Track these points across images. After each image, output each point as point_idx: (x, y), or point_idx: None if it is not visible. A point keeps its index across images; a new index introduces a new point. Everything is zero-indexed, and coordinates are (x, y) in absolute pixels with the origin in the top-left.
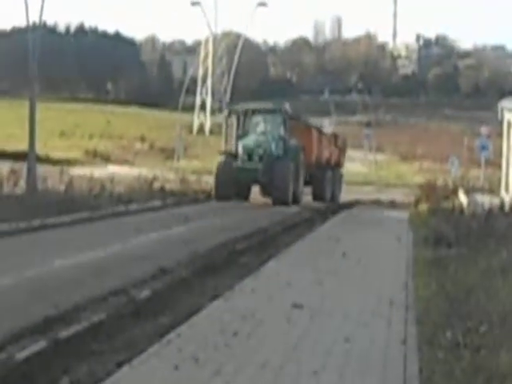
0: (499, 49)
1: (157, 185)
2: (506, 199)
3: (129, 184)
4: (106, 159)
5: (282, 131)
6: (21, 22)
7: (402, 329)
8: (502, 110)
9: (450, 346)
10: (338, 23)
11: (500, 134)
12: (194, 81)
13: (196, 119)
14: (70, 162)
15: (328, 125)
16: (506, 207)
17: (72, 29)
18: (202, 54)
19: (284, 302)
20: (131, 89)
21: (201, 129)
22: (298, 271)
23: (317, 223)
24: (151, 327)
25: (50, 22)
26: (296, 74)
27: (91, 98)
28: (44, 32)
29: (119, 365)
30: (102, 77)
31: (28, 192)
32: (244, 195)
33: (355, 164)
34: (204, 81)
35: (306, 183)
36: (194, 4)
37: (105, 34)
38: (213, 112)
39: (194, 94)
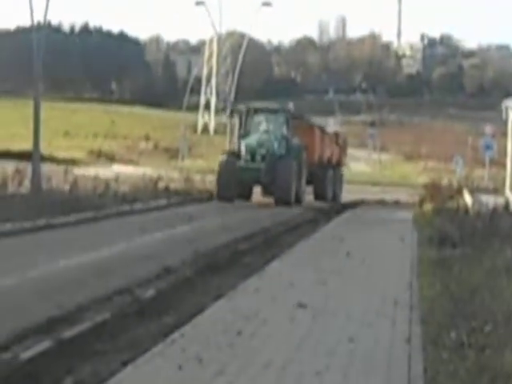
0: (504, 48)
1: (161, 184)
2: (511, 199)
3: (133, 183)
4: (111, 159)
5: (284, 130)
6: (25, 22)
7: (407, 329)
8: (506, 110)
9: (455, 346)
10: (343, 23)
11: (504, 134)
12: (198, 80)
13: (200, 119)
14: (74, 162)
15: (333, 124)
16: (511, 207)
17: (76, 28)
18: (207, 53)
19: (287, 301)
20: (136, 88)
21: (205, 128)
22: (301, 271)
23: (320, 223)
24: (155, 327)
25: (54, 21)
26: (300, 73)
27: (96, 97)
28: (48, 32)
29: (123, 364)
30: (106, 76)
31: (32, 192)
32: (246, 195)
33: (359, 164)
34: (208, 80)
35: (308, 182)
36: (198, 4)
37: (109, 34)
38: (217, 112)
39: (199, 93)
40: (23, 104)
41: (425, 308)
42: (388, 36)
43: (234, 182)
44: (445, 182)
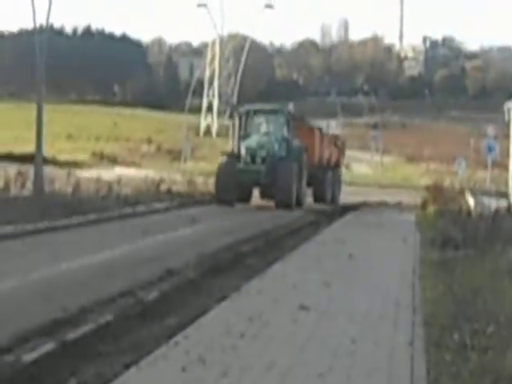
0: (506, 50)
1: (164, 187)
2: None
3: (136, 186)
4: (113, 161)
5: (285, 132)
6: (28, 24)
7: (409, 330)
8: (508, 111)
9: (458, 348)
10: (345, 26)
11: (507, 135)
12: (200, 83)
13: (203, 121)
14: (76, 164)
15: (335, 126)
16: None
17: (79, 31)
18: (209, 55)
19: (290, 303)
20: (138, 91)
21: (208, 131)
22: (304, 273)
23: (322, 225)
24: (158, 329)
25: (57, 24)
26: (302, 75)
27: (98, 100)
28: (51, 34)
29: (126, 366)
30: (108, 79)
31: (35, 194)
32: (245, 198)
33: (362, 165)
34: (211, 83)
35: (307, 184)
36: (200, 6)
37: (112, 36)
38: (220, 114)
39: (201, 95)
40: (26, 107)
41: (427, 310)
42: (390, 38)
43: (233, 185)
44: (447, 183)
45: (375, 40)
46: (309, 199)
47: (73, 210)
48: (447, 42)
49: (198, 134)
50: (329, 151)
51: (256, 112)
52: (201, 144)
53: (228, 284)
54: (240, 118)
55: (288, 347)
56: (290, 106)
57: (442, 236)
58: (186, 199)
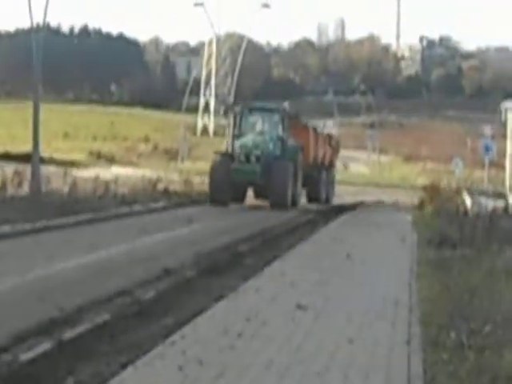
0: (503, 50)
1: (161, 186)
2: (511, 200)
3: (133, 185)
4: (110, 160)
5: (280, 131)
6: (25, 24)
7: (406, 330)
8: (505, 111)
9: (454, 347)
10: (342, 25)
11: (504, 135)
12: (197, 82)
13: (200, 120)
14: (73, 164)
15: (332, 126)
16: (510, 208)
17: (76, 30)
18: (206, 55)
19: (288, 302)
20: (135, 90)
21: (205, 130)
22: (301, 272)
23: (319, 224)
24: (155, 328)
25: (53, 23)
26: (299, 75)
27: (95, 99)
28: (48, 33)
29: (123, 366)
30: (105, 78)
31: (32, 193)
32: (240, 198)
33: (359, 165)
34: (207, 82)
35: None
36: (197, 5)
37: (108, 36)
38: (217, 113)
39: (198, 95)
40: (23, 106)
41: (424, 309)
42: (387, 38)
43: (227, 185)
44: (444, 183)
45: (372, 39)
46: (302, 199)
47: (69, 209)
48: (444, 41)
49: (195, 133)
50: (323, 151)
51: (251, 110)
52: (198, 143)
53: (225, 283)
54: (234, 117)
55: (285, 346)
56: (286, 105)
57: (439, 235)
58: (183, 199)
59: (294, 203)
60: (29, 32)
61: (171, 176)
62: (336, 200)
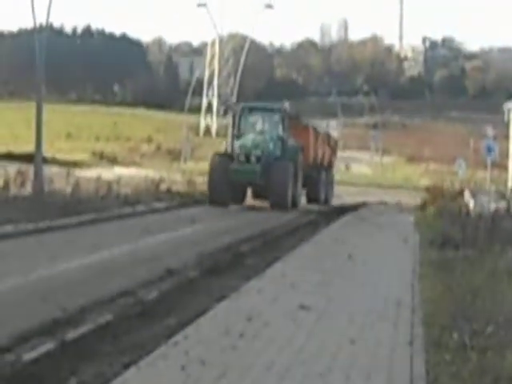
0: (506, 51)
1: (163, 186)
2: None
3: (135, 185)
4: (113, 161)
5: (280, 131)
6: (27, 24)
7: (409, 330)
8: (508, 112)
9: (457, 348)
10: (345, 26)
11: (506, 136)
12: (200, 82)
13: (202, 121)
14: (76, 164)
15: (335, 126)
16: None
17: (79, 31)
18: (209, 55)
19: (290, 303)
20: (138, 90)
21: (207, 130)
22: (303, 273)
23: (321, 225)
24: (158, 329)
25: (56, 23)
26: (302, 75)
27: (98, 99)
28: (51, 34)
29: (126, 366)
30: (108, 79)
31: (35, 194)
32: (239, 198)
33: (362, 166)
34: (210, 82)
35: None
36: (199, 6)
37: (111, 36)
38: (219, 114)
39: (201, 95)
40: (26, 106)
41: (427, 310)
42: (390, 38)
43: (226, 185)
44: (447, 184)
45: (375, 40)
46: (302, 200)
47: (72, 209)
48: (447, 42)
49: (197, 133)
50: (322, 151)
51: (251, 110)
52: (200, 144)
53: (227, 284)
54: (234, 117)
55: (287, 347)
56: (286, 105)
57: (441, 236)
58: (186, 199)
59: (294, 204)
60: (32, 32)
61: (174, 176)
62: (337, 200)
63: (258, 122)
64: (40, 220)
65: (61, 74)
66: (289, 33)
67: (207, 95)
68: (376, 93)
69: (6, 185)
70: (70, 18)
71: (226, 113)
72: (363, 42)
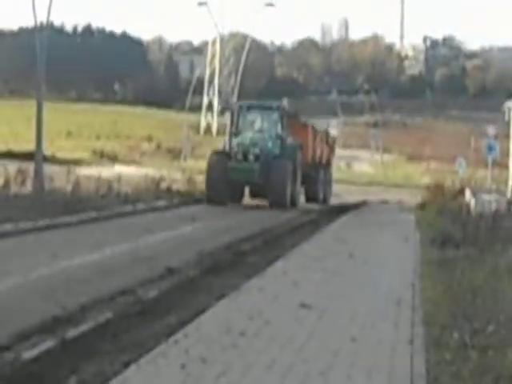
0: (506, 50)
1: (164, 185)
2: None
3: (136, 184)
4: (113, 159)
5: (279, 129)
6: (28, 23)
7: (409, 329)
8: (508, 111)
9: (457, 347)
10: (345, 25)
11: (507, 135)
12: (201, 81)
13: (203, 119)
14: (76, 162)
15: (336, 125)
16: None
17: (79, 29)
18: (209, 54)
19: (291, 301)
20: (138, 89)
21: (208, 129)
22: (304, 271)
23: (322, 224)
24: (158, 327)
25: (57, 22)
26: (303, 74)
27: (98, 98)
28: (51, 32)
29: (126, 365)
30: (109, 77)
31: (35, 192)
32: (237, 197)
33: (362, 164)
34: (211, 81)
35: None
36: (200, 4)
37: (112, 35)
38: (220, 112)
39: (201, 94)
40: (26, 104)
41: (427, 309)
42: (390, 37)
43: (224, 184)
44: (447, 182)
45: (376, 39)
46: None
47: (73, 208)
48: (448, 41)
49: (198, 132)
50: (321, 149)
51: (249, 108)
52: (201, 142)
53: (228, 282)
54: (232, 114)
55: (288, 345)
56: (284, 102)
57: (442, 235)
58: (186, 197)
59: (293, 203)
60: (32, 31)
61: (174, 175)
62: (338, 199)
63: (257, 120)
64: (40, 218)
65: (61, 72)
66: (290, 31)
67: (208, 94)
68: (376, 92)
69: (7, 183)
70: (70, 16)
71: (223, 111)
72: (364, 41)
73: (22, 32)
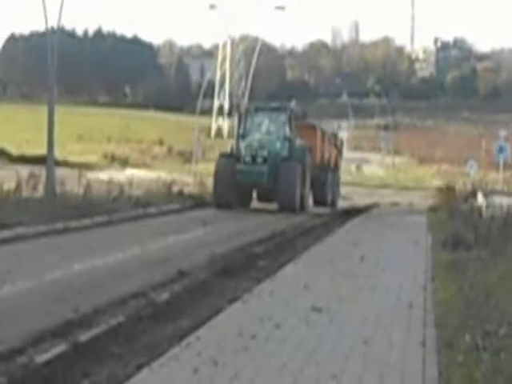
0: None
1: (175, 188)
2: None
3: (147, 187)
4: (125, 163)
5: (287, 131)
6: (39, 27)
7: (421, 331)
8: None
9: (470, 349)
10: (356, 27)
11: None
12: (211, 85)
13: (214, 123)
14: (88, 166)
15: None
16: None
17: (90, 33)
18: (220, 57)
19: (302, 305)
20: (149, 92)
21: (219, 132)
22: (315, 274)
23: (333, 227)
24: (170, 330)
25: (68, 26)
26: (313, 77)
27: (109, 101)
28: (62, 36)
29: (139, 368)
30: (120, 81)
31: (47, 196)
32: (245, 201)
33: (373, 167)
34: (222, 84)
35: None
36: (211, 8)
37: (123, 38)
38: (231, 116)
39: (212, 97)
40: (37, 108)
41: (439, 311)
42: (401, 39)
43: (232, 187)
44: (459, 185)
45: (386, 41)
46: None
47: (84, 211)
48: (458, 43)
49: (209, 135)
50: (329, 152)
51: (257, 110)
52: (212, 146)
53: (239, 285)
54: (240, 116)
55: (300, 348)
56: (293, 104)
57: (453, 237)
58: (198, 201)
59: (302, 206)
60: (43, 35)
61: (186, 178)
62: (348, 202)
63: (264, 121)
64: (52, 222)
65: (72, 76)
66: (300, 34)
67: (219, 97)
68: (387, 94)
69: (19, 187)
70: (81, 20)
71: (230, 114)
72: (374, 44)
73: (34, 36)
